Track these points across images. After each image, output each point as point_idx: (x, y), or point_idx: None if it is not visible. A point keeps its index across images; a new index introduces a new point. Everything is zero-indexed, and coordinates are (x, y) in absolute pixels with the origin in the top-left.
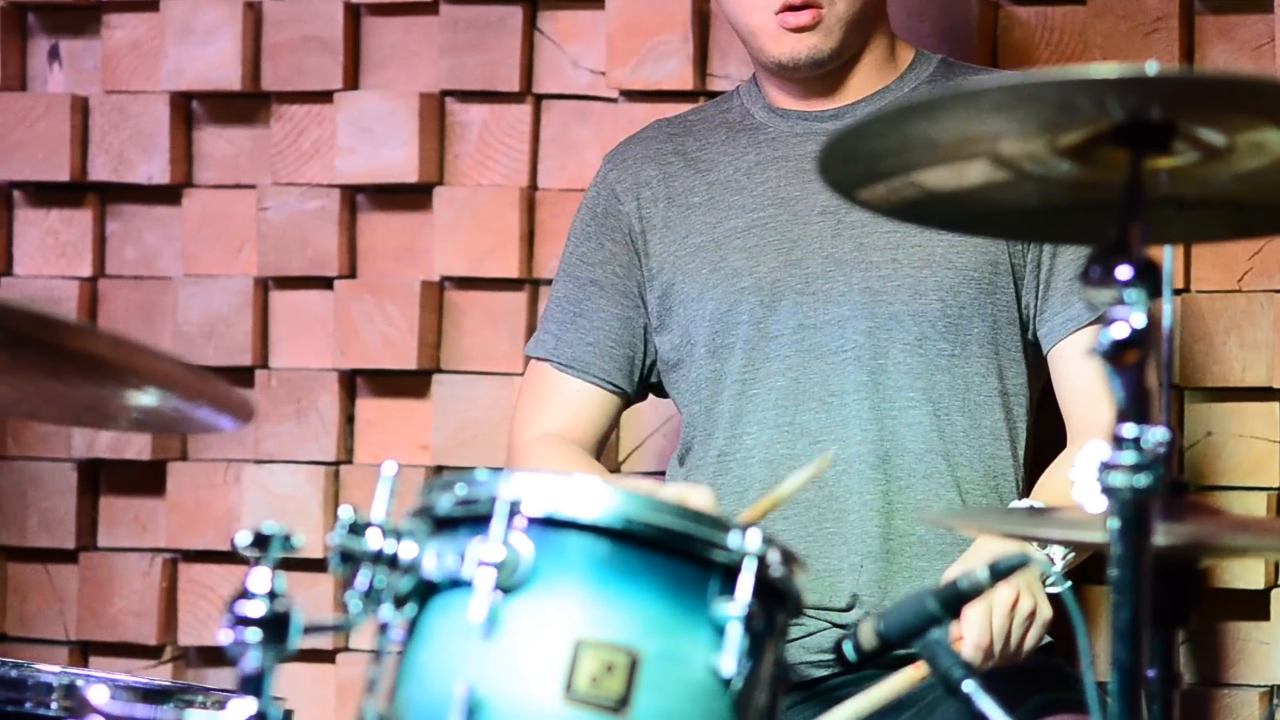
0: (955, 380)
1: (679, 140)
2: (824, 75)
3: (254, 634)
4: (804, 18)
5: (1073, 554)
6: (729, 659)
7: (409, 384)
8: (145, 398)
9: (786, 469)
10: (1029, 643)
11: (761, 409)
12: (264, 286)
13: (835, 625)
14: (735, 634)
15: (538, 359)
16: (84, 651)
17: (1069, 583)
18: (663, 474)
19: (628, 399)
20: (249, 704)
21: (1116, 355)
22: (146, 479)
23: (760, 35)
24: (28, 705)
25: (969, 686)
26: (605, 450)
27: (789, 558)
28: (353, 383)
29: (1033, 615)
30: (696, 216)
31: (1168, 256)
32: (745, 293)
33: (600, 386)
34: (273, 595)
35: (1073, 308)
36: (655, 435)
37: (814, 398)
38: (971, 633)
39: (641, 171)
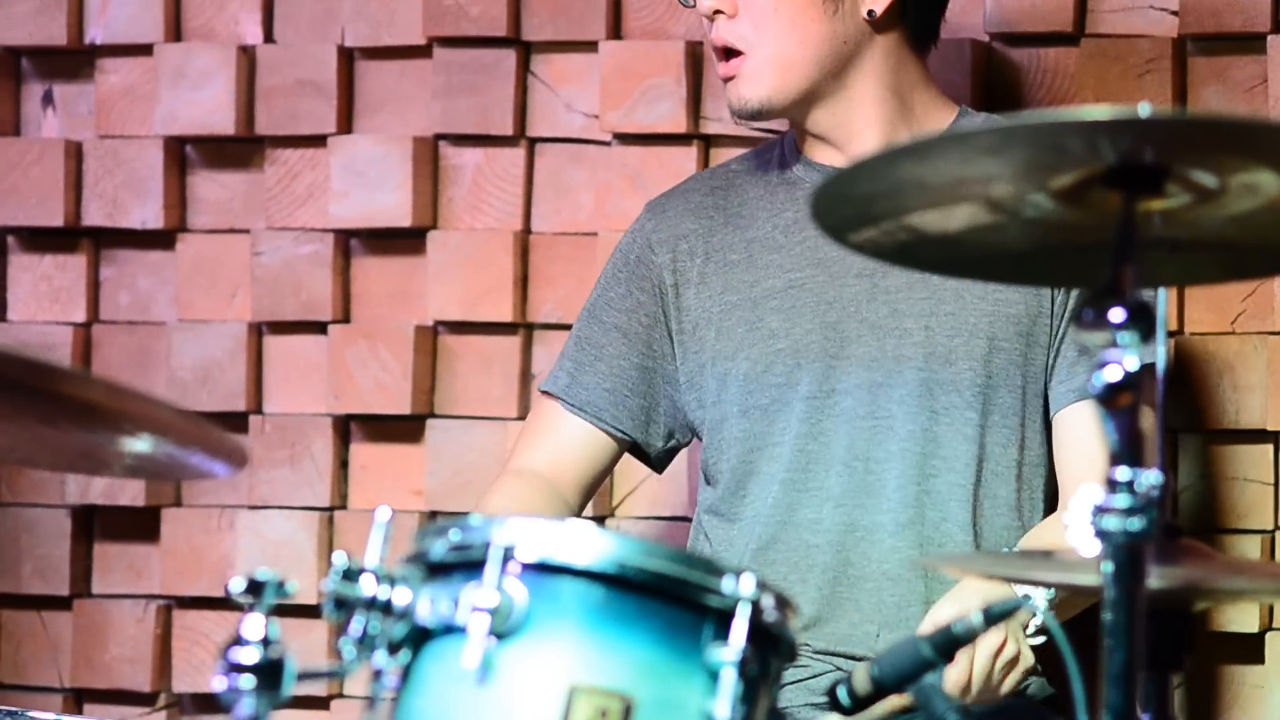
0: (982, 450)
1: (720, 194)
2: (838, 126)
3: (248, 680)
4: (729, 68)
5: (1056, 593)
6: (723, 705)
7: (403, 429)
8: (139, 444)
9: (810, 533)
10: (1005, 687)
11: (790, 470)
12: (258, 331)
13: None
14: (729, 679)
15: (548, 394)
16: (78, 699)
17: (1057, 624)
18: (657, 519)
19: (632, 447)
20: None
21: (1110, 398)
22: (141, 525)
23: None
24: None
25: None
26: (598, 494)
27: (783, 603)
28: (347, 428)
29: (1014, 661)
30: (734, 274)
31: (1161, 300)
32: (781, 355)
33: (607, 432)
34: (266, 642)
35: (1078, 378)
36: (649, 479)
37: (840, 461)
38: (953, 671)
39: (680, 224)
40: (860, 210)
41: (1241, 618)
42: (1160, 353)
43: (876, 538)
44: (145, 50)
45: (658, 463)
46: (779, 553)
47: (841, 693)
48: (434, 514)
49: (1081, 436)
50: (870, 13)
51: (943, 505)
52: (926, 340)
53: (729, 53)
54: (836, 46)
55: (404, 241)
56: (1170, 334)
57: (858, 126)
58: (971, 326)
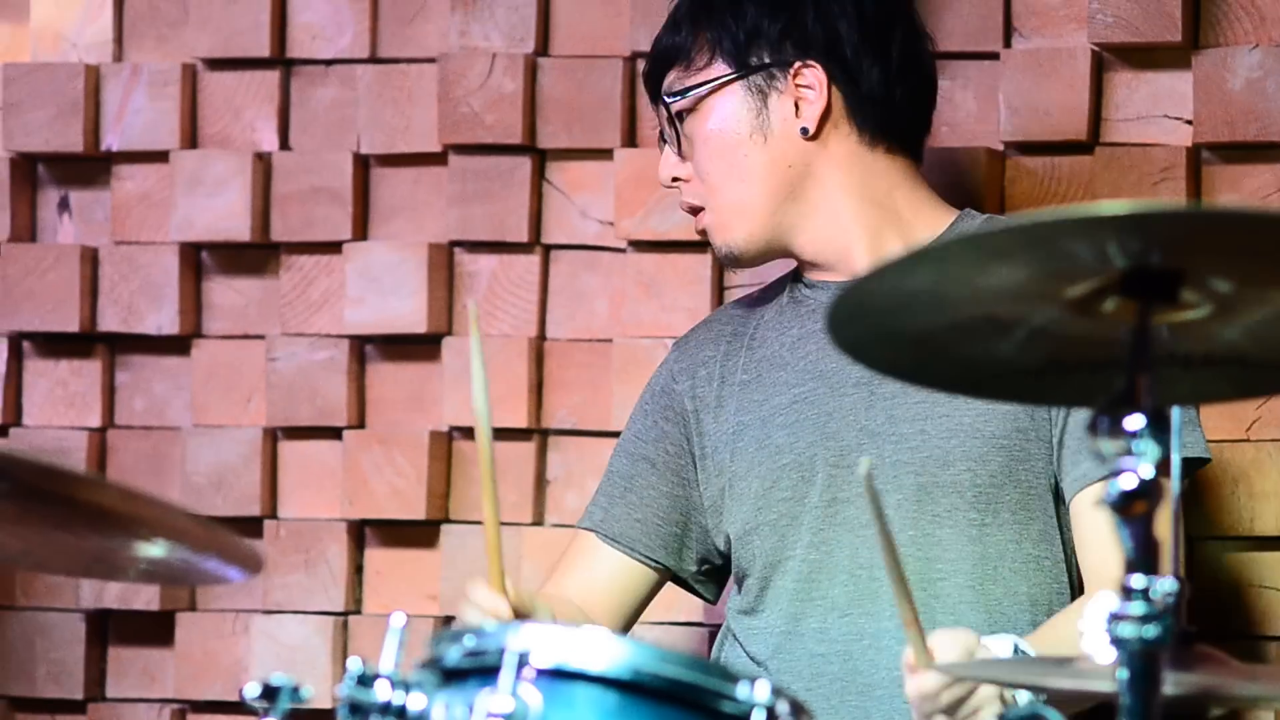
0: (987, 550)
1: (740, 320)
2: (824, 247)
3: None
4: (700, 223)
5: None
6: None
7: (417, 534)
8: (154, 549)
9: (816, 642)
10: None
11: (797, 581)
12: (273, 437)
13: None
14: None
15: (584, 529)
16: None
17: None
18: (673, 624)
19: (669, 575)
20: None
21: (1125, 506)
22: (155, 629)
23: None
24: None
25: None
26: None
27: (798, 709)
28: (361, 533)
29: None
30: (746, 394)
31: (1176, 417)
32: (787, 469)
33: (642, 562)
34: None
35: (1081, 465)
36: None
37: (845, 570)
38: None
39: (700, 352)
40: (875, 325)
41: None
42: (1175, 461)
43: (884, 644)
44: (161, 157)
45: (704, 590)
46: (785, 663)
47: None
48: (448, 619)
49: (1098, 521)
50: (804, 130)
51: (953, 608)
52: (923, 444)
53: (695, 210)
54: (781, 172)
55: (419, 347)
56: None
57: (843, 242)
58: (967, 427)
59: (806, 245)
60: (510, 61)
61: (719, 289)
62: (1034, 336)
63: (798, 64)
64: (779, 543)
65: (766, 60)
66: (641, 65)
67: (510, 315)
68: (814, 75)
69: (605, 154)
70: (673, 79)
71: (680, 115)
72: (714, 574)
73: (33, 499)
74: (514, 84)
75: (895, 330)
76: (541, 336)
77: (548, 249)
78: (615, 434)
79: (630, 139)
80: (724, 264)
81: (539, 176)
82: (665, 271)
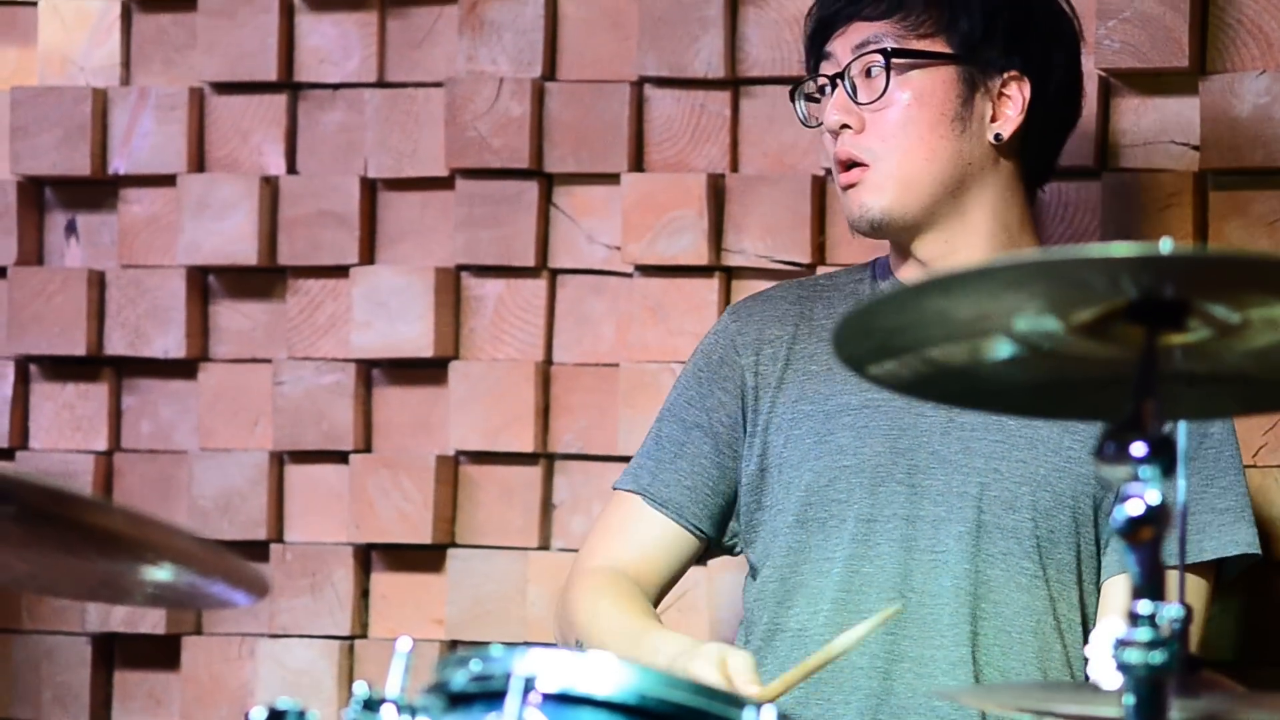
0: (1034, 601)
1: (806, 304)
2: (945, 253)
3: None
4: (851, 176)
5: None
6: None
7: (424, 558)
8: (160, 573)
9: (856, 654)
10: None
11: (840, 590)
12: (279, 460)
13: None
14: None
15: (627, 491)
16: None
17: None
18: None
19: (708, 546)
20: None
21: (1131, 532)
22: (161, 653)
23: (840, 197)
24: None
25: None
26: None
27: None
28: (368, 557)
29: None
30: (812, 384)
31: (1182, 434)
32: (846, 472)
33: (688, 530)
34: None
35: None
36: (667, 610)
37: (891, 587)
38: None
39: (767, 329)
40: (881, 343)
41: None
42: (1181, 486)
43: (925, 670)
44: (168, 181)
45: (732, 553)
46: (826, 673)
47: None
48: (454, 643)
49: (1119, 609)
50: (997, 136)
51: (986, 649)
52: (993, 483)
53: (851, 163)
54: (960, 167)
55: (425, 371)
56: None
57: (964, 255)
58: (1040, 478)
59: (930, 243)
60: (517, 86)
61: None
62: (1040, 355)
63: (1013, 73)
64: (822, 541)
65: (988, 57)
66: (649, 89)
67: (517, 339)
68: (1019, 89)
69: (612, 178)
70: (887, 31)
71: (880, 69)
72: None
73: (39, 522)
74: (521, 108)
75: (899, 347)
76: (548, 360)
77: (554, 273)
78: (622, 459)
79: (637, 164)
80: (853, 224)
81: (546, 201)
82: (671, 296)
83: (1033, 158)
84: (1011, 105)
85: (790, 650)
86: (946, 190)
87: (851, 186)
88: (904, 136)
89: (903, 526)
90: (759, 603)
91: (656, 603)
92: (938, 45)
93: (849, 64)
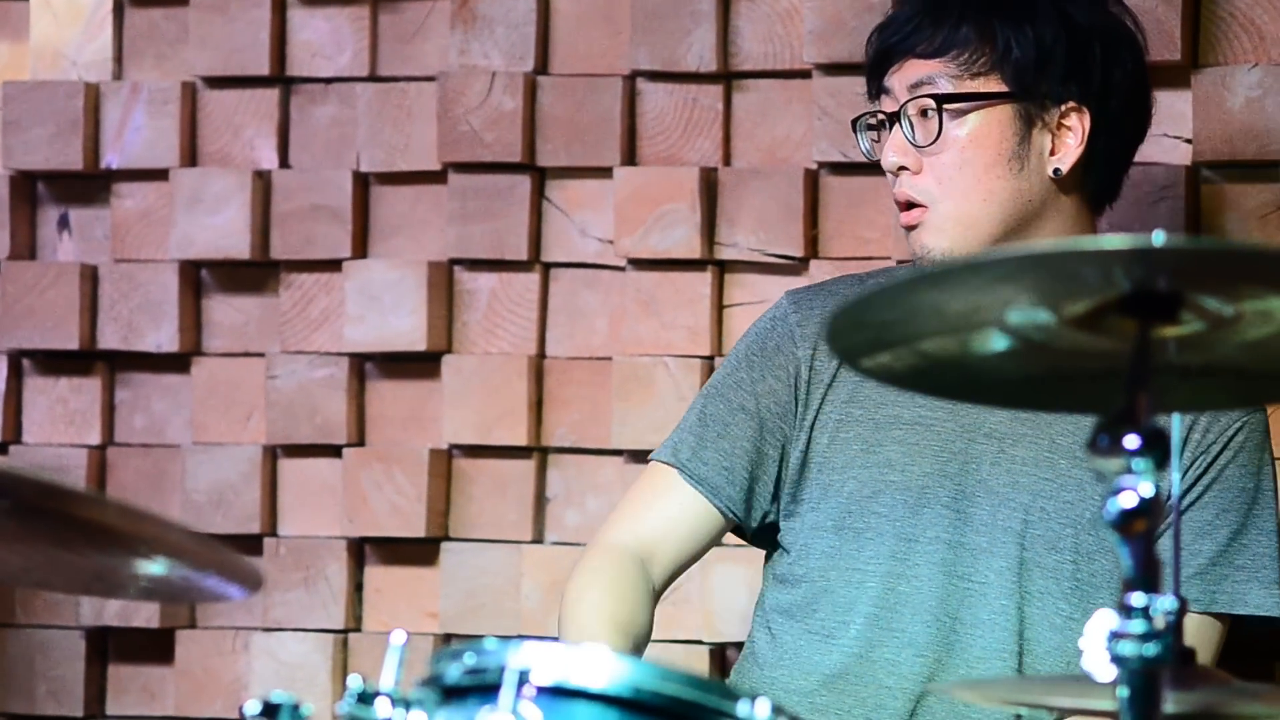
0: (1066, 643)
1: None
2: None
3: None
4: (910, 216)
5: None
6: None
7: (417, 552)
8: (154, 567)
9: (887, 674)
10: None
11: (876, 607)
12: (272, 454)
13: None
14: None
15: (664, 464)
16: None
17: None
18: (672, 641)
19: (735, 527)
20: None
21: (1125, 524)
22: (155, 647)
23: (904, 235)
24: None
25: None
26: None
27: None
28: (361, 550)
29: None
30: (862, 390)
31: (1176, 426)
32: (893, 487)
33: (719, 510)
34: None
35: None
36: (663, 605)
37: (928, 611)
38: None
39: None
40: (874, 335)
41: None
42: (1175, 479)
43: (959, 702)
44: (161, 175)
45: (755, 543)
46: (852, 686)
47: None
48: (448, 637)
49: None
50: (1056, 171)
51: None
52: (1037, 521)
53: (911, 204)
54: (1020, 205)
55: (418, 365)
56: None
57: None
58: (1085, 520)
59: None
60: (510, 80)
61: (718, 307)
62: (1033, 348)
63: (1071, 104)
64: (857, 551)
65: (1044, 90)
66: (641, 83)
67: (510, 333)
68: (1079, 120)
69: (605, 172)
70: (940, 70)
71: (935, 112)
72: (765, 533)
73: (33, 517)
74: (513, 102)
75: (892, 339)
76: (541, 354)
77: (547, 267)
78: (615, 452)
79: (630, 157)
80: (916, 259)
81: (538, 195)
82: (664, 289)
83: (1096, 183)
84: (1071, 136)
85: (815, 653)
86: (1008, 228)
87: (913, 228)
88: (961, 178)
89: (943, 550)
90: (788, 604)
91: (671, 579)
92: (991, 84)
93: (905, 104)
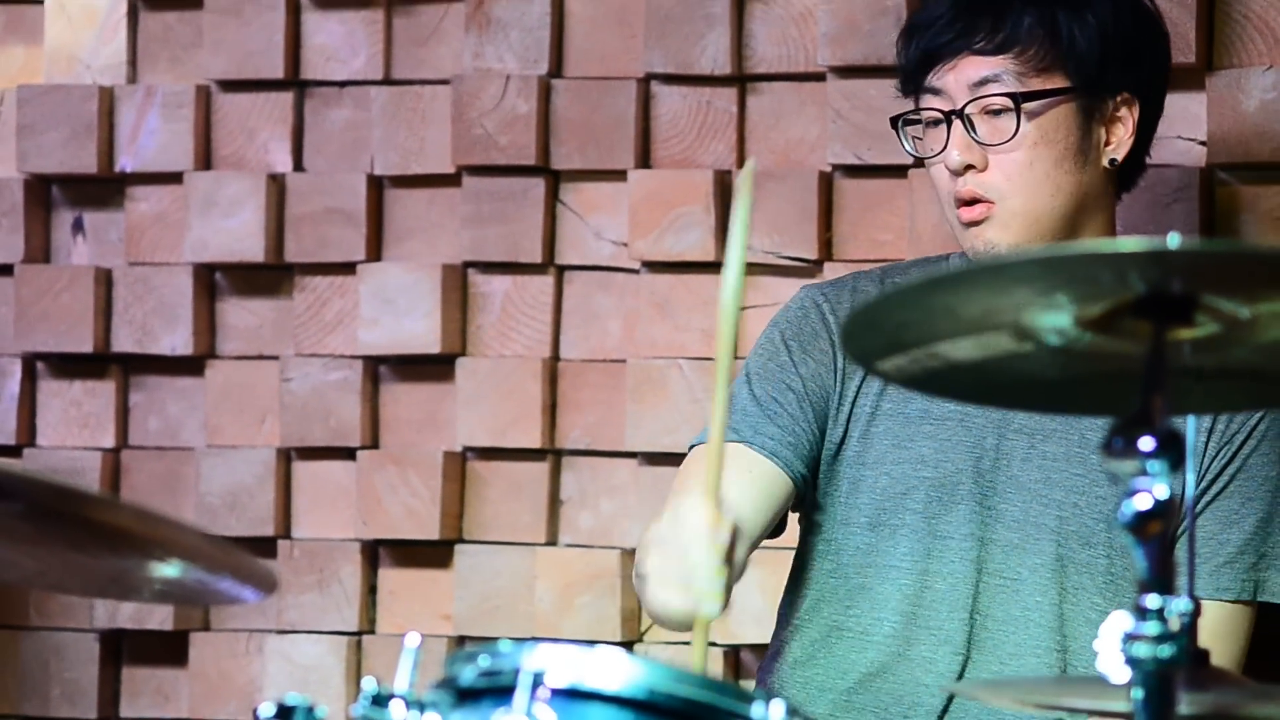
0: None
1: None
2: None
3: None
4: (975, 212)
5: None
6: None
7: (431, 554)
8: (168, 569)
9: (923, 671)
10: None
11: (910, 604)
12: (286, 457)
13: None
14: None
15: (732, 442)
16: None
17: None
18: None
19: (799, 499)
20: None
21: (1139, 526)
22: (169, 649)
23: (956, 230)
24: None
25: None
26: (626, 619)
27: None
28: (375, 553)
29: None
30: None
31: (1190, 428)
32: (925, 484)
33: (790, 476)
34: None
35: (1221, 576)
36: None
37: (963, 609)
38: None
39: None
40: (891, 338)
41: None
42: (1190, 481)
43: (1028, 664)
44: (175, 178)
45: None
46: (888, 684)
47: None
48: (462, 639)
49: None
50: (1112, 162)
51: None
52: (1071, 516)
53: (975, 199)
54: (1081, 199)
55: (433, 368)
56: None
57: None
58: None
59: None
60: (524, 83)
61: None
62: (1048, 350)
63: (1124, 94)
64: (892, 547)
65: (1105, 83)
66: (655, 86)
67: (524, 336)
68: (1130, 111)
69: (619, 175)
70: (1005, 67)
71: (1006, 110)
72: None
73: (47, 520)
74: (528, 105)
75: (908, 342)
76: (555, 357)
77: (561, 269)
78: (629, 454)
79: (644, 160)
80: (974, 258)
81: (553, 198)
82: (678, 292)
83: (1128, 174)
84: (1123, 127)
85: (849, 651)
86: (1068, 223)
87: (976, 223)
88: (1031, 175)
89: (976, 547)
90: (819, 599)
91: (752, 550)
92: (1056, 80)
93: (967, 103)
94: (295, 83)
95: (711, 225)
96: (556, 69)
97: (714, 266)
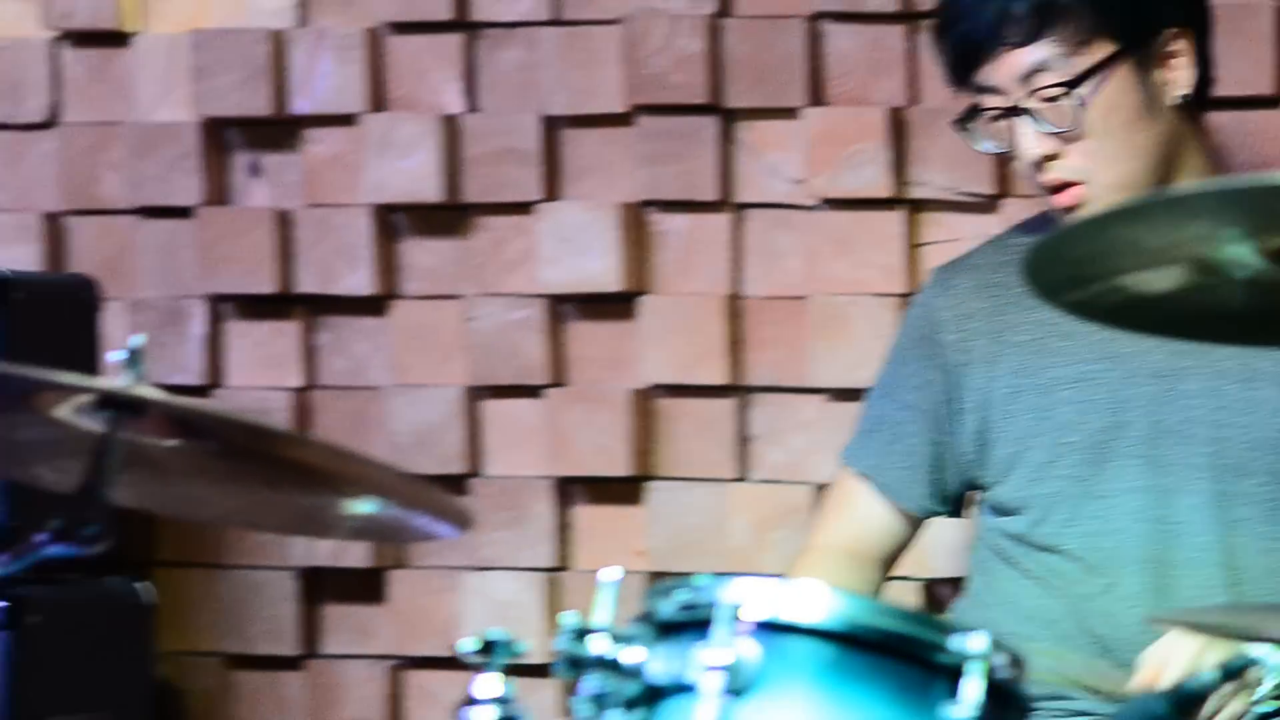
0: (1273, 563)
1: (1007, 270)
2: None
3: None
4: (1068, 198)
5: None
6: None
7: (623, 490)
8: (363, 506)
9: (1103, 624)
10: None
11: (1083, 569)
12: (474, 395)
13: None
14: None
15: (857, 474)
16: None
17: None
18: None
19: (927, 518)
20: None
21: None
22: (366, 586)
23: (1056, 215)
24: None
25: None
26: None
27: (1016, 661)
28: (567, 490)
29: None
30: (1022, 356)
31: None
32: (1072, 448)
33: (909, 512)
34: (502, 701)
35: None
36: None
37: (1135, 560)
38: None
39: (969, 302)
40: (1072, 271)
41: None
42: None
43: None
44: (349, 120)
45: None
46: (1070, 635)
47: None
48: (656, 574)
49: None
50: (1182, 98)
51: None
52: (1222, 450)
53: (1065, 184)
54: (1164, 146)
55: (615, 306)
56: None
57: None
58: (1270, 440)
59: None
60: (693, 23)
61: (911, 245)
62: (1233, 283)
63: (1172, 30)
64: (1068, 515)
65: (1149, 29)
66: (824, 24)
67: (704, 273)
68: (1183, 42)
69: (791, 113)
70: (1047, 53)
71: (1065, 99)
72: (960, 503)
73: (240, 458)
74: (698, 44)
75: (1091, 275)
76: (736, 295)
77: (739, 207)
78: (814, 390)
79: (816, 98)
80: None
81: (726, 136)
82: (857, 229)
83: (1200, 93)
84: (1180, 60)
85: (1028, 598)
86: (1161, 173)
87: (1073, 208)
88: (1109, 146)
89: (1138, 499)
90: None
91: (884, 576)
92: (1101, 47)
93: (1026, 97)
94: (464, 24)
95: (888, 161)
96: (724, 8)
97: (890, 204)
